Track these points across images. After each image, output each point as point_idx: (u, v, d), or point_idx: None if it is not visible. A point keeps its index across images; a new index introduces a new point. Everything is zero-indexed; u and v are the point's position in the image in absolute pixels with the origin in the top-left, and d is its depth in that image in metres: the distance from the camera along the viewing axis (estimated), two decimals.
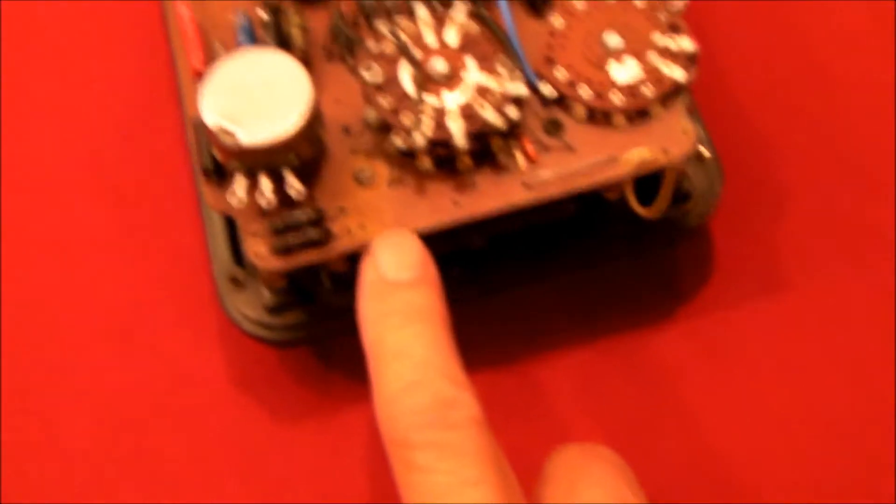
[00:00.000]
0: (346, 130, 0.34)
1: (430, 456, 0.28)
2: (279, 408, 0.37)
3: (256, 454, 0.36)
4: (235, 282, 0.36)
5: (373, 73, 0.34)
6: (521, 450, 0.31)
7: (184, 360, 0.37)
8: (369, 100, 0.33)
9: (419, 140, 0.33)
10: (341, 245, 0.33)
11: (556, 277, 0.37)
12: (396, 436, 0.28)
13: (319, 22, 0.36)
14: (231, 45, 0.35)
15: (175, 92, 0.38)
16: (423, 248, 0.31)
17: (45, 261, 0.39)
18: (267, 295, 0.36)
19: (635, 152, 0.33)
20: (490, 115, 0.33)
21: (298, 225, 0.33)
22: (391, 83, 0.33)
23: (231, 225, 0.37)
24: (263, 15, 0.35)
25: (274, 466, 0.36)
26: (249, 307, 0.36)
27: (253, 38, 0.35)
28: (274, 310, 0.36)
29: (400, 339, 0.30)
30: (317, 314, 0.36)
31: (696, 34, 0.34)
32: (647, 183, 0.34)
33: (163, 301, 0.38)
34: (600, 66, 0.34)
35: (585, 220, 0.36)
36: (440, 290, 0.31)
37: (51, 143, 0.41)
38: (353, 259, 0.33)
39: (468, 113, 0.33)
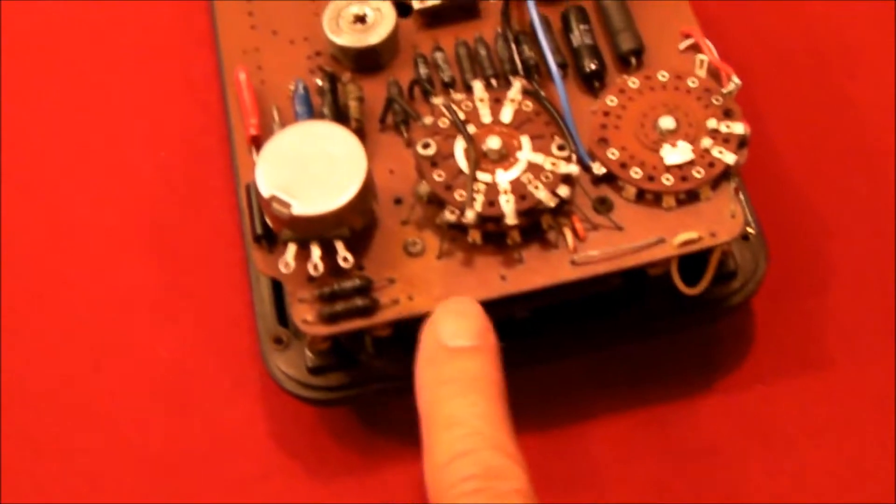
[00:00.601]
0: (398, 201, 0.34)
1: None
2: (317, 466, 0.37)
3: None
4: (279, 341, 0.36)
5: (427, 148, 0.34)
6: None
7: (224, 416, 0.38)
8: (422, 174, 0.34)
9: (471, 216, 0.33)
10: (388, 314, 0.33)
11: (596, 349, 0.37)
12: (443, 501, 0.29)
13: (375, 91, 0.36)
14: (287, 111, 0.36)
15: (227, 153, 0.39)
16: (484, 316, 0.31)
17: (93, 315, 0.39)
18: (309, 356, 0.36)
19: (683, 236, 0.33)
20: (543, 195, 0.33)
21: (346, 294, 0.33)
22: (445, 158, 0.34)
23: (277, 285, 0.37)
24: (320, 83, 0.35)
25: None
26: (291, 367, 0.36)
27: (309, 106, 0.35)
28: (316, 371, 0.36)
29: (454, 407, 0.30)
30: (358, 376, 0.36)
31: (744, 109, 0.35)
32: (692, 256, 0.34)
33: (206, 357, 0.38)
34: (654, 149, 0.34)
35: (628, 292, 0.36)
36: (498, 358, 0.31)
37: (102, 201, 0.41)
38: (397, 325, 0.33)
39: (521, 191, 0.33)
